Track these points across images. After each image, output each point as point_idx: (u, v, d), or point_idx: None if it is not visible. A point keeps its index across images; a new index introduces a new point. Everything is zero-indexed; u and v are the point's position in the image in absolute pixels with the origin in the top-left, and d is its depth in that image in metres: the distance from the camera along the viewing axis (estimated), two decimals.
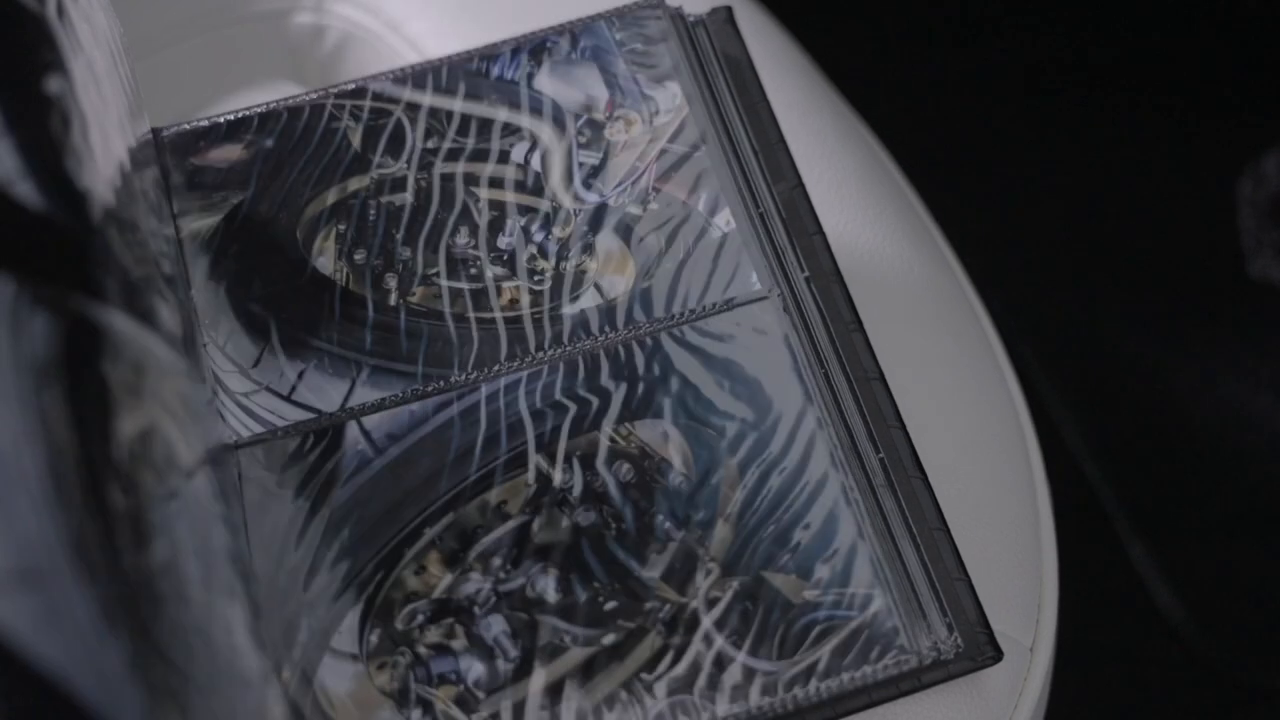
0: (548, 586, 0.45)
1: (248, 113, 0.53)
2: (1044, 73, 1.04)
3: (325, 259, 0.51)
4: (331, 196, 0.52)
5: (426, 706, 0.43)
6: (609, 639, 0.44)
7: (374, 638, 0.44)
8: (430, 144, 0.52)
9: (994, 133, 1.01)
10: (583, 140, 0.52)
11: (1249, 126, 0.99)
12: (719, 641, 0.44)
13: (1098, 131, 1.01)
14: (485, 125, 0.53)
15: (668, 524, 0.46)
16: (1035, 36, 1.05)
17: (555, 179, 0.52)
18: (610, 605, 0.45)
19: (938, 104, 1.03)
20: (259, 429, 0.48)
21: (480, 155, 0.52)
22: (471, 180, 0.52)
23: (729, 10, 0.54)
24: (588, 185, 0.51)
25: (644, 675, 0.44)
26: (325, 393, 0.48)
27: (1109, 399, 0.93)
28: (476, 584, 0.45)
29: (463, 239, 0.51)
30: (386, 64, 0.70)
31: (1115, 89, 1.03)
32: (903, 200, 0.61)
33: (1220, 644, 0.85)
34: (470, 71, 0.54)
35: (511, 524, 0.46)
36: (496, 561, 0.45)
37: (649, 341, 0.49)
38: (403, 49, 0.69)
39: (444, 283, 0.50)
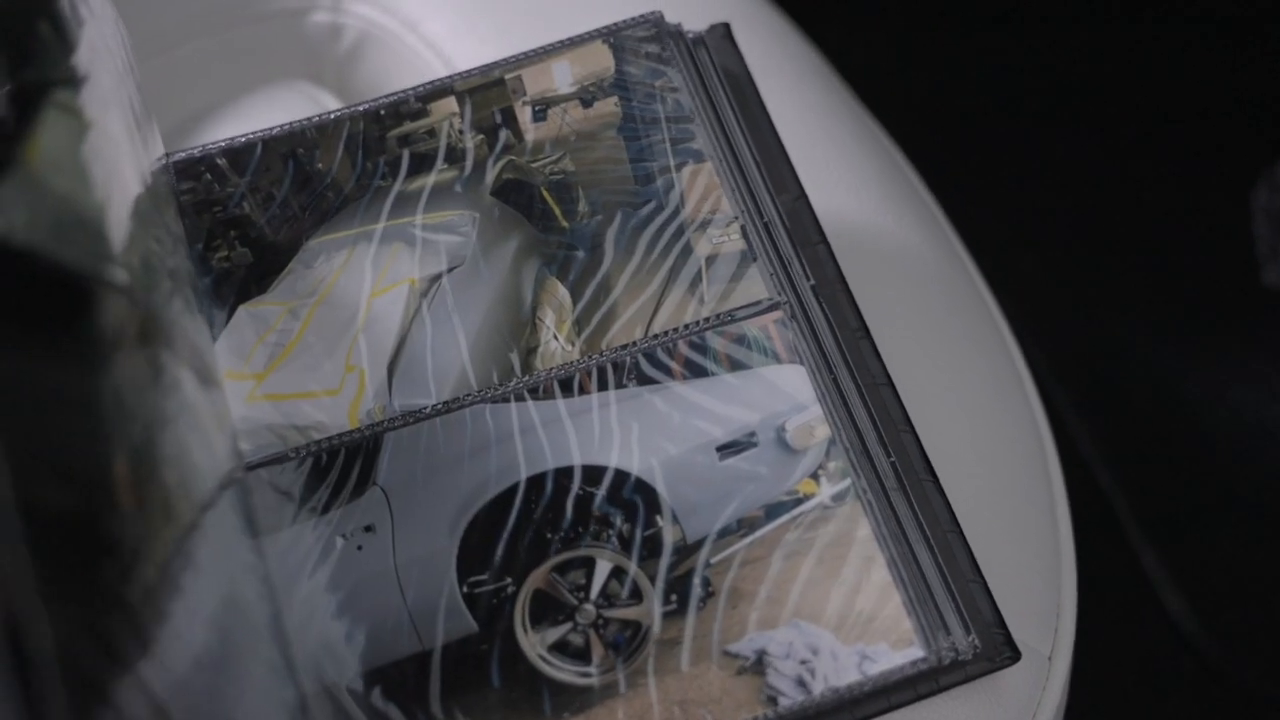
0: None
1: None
2: (1059, 78, 1.04)
3: None
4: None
5: None
6: None
7: None
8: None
9: (1009, 138, 1.01)
10: None
11: (1265, 134, 0.98)
12: None
13: (1113, 138, 1.01)
14: None
15: None
16: (1050, 42, 1.05)
17: None
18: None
19: (953, 109, 1.03)
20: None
21: None
22: None
23: (727, 26, 0.55)
24: None
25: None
26: None
27: (1122, 406, 0.93)
28: None
29: None
30: (404, 64, 0.70)
31: (1130, 95, 1.02)
32: (920, 205, 0.61)
33: (1232, 653, 0.85)
34: None
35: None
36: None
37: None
38: (420, 48, 0.69)
39: None
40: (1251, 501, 0.88)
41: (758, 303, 0.49)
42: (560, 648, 0.45)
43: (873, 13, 1.04)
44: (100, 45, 0.43)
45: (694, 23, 0.64)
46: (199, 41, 0.72)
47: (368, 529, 0.46)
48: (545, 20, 0.66)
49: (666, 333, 0.49)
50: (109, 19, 0.45)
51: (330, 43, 0.73)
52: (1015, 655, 0.45)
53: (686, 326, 0.49)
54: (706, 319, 0.49)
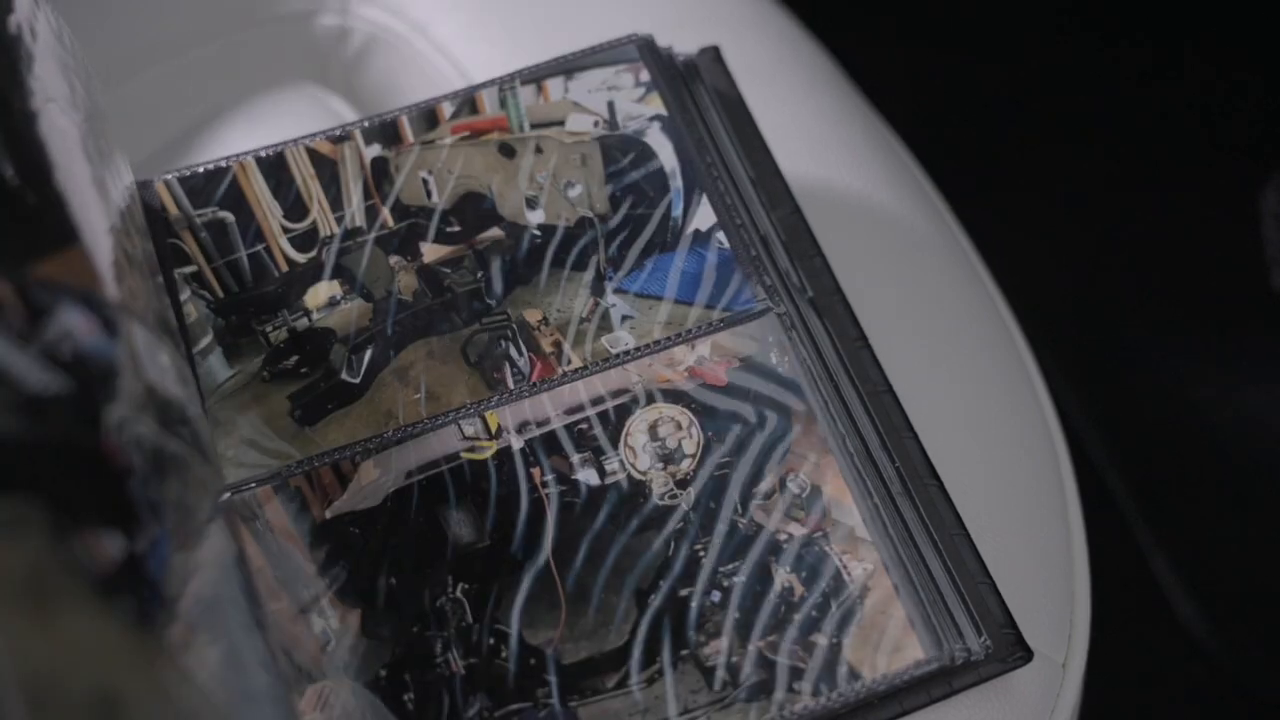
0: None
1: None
2: (1068, 83, 1.04)
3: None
4: None
5: None
6: None
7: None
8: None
9: (1018, 141, 1.01)
10: None
11: (1274, 138, 0.98)
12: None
13: (1123, 142, 1.01)
14: None
15: None
16: (1059, 46, 1.05)
17: None
18: None
19: (961, 113, 1.03)
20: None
21: None
22: None
23: (717, 50, 0.55)
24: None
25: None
26: None
27: (1131, 410, 0.92)
28: None
29: None
30: (412, 67, 0.70)
31: (1139, 99, 1.02)
32: (931, 209, 0.61)
33: (1243, 657, 0.85)
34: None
35: None
36: None
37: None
38: (429, 52, 0.69)
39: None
40: (1261, 506, 0.88)
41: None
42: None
43: (881, 19, 1.05)
44: (50, 82, 0.42)
45: (705, 27, 0.64)
46: (207, 45, 0.72)
47: None
48: (554, 24, 0.66)
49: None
50: (56, 53, 0.45)
51: (338, 46, 0.73)
52: (1027, 655, 0.45)
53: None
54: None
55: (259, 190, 0.52)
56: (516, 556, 0.45)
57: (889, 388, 0.49)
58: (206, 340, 0.49)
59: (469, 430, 0.47)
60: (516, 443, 0.47)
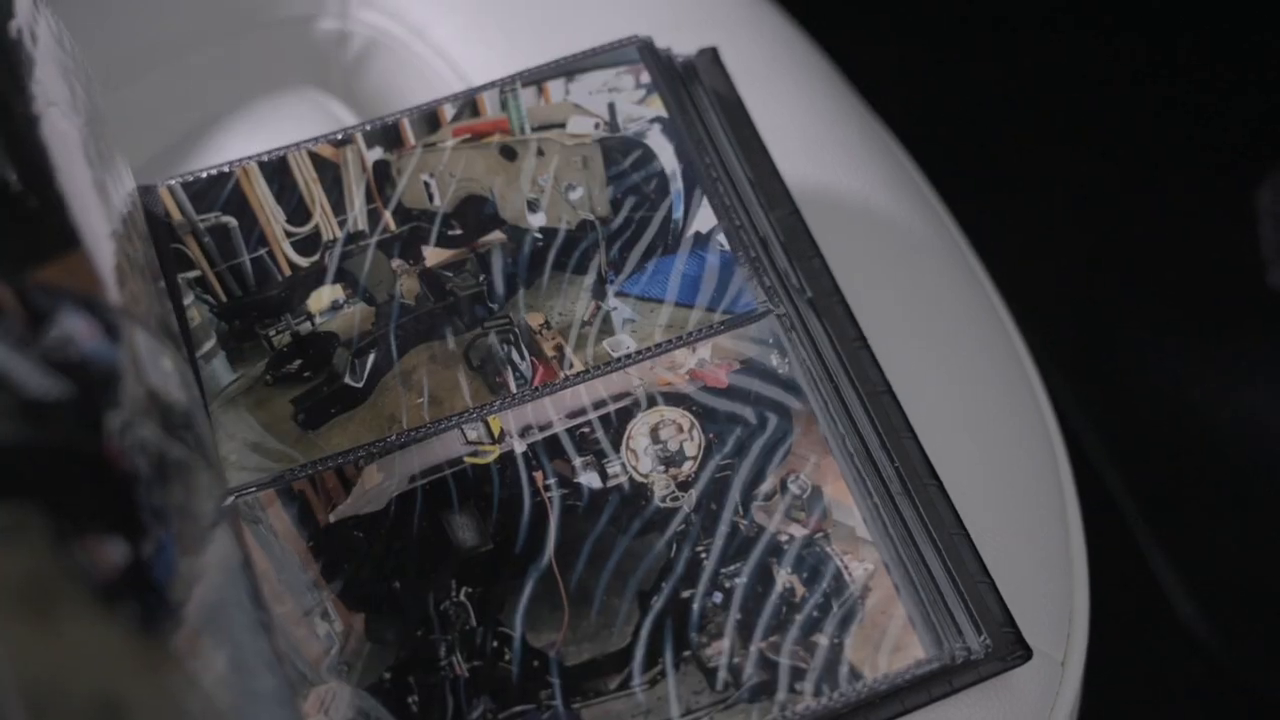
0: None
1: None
2: (1064, 82, 1.04)
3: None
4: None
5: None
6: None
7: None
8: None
9: (1015, 141, 1.01)
10: None
11: (1270, 136, 0.98)
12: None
13: (1119, 141, 1.01)
14: None
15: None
16: (1054, 46, 1.05)
17: None
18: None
19: (957, 113, 1.03)
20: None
21: None
22: None
23: (715, 51, 0.55)
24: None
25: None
26: None
27: (1129, 409, 0.92)
28: None
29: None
30: (411, 70, 0.70)
31: (1135, 98, 1.02)
32: (928, 209, 0.61)
33: (1242, 656, 0.85)
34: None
35: None
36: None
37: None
38: (427, 54, 0.69)
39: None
40: (1260, 504, 0.88)
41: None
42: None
43: (877, 17, 1.05)
44: (51, 86, 0.42)
45: (702, 28, 0.64)
46: (207, 49, 0.72)
47: None
48: (550, 26, 0.66)
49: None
50: (57, 57, 0.45)
51: (338, 49, 0.73)
52: (1027, 653, 0.45)
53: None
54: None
55: (262, 194, 0.52)
56: (519, 559, 0.45)
57: (888, 388, 0.49)
58: (210, 344, 0.49)
59: (472, 434, 0.47)
60: (519, 446, 0.47)
